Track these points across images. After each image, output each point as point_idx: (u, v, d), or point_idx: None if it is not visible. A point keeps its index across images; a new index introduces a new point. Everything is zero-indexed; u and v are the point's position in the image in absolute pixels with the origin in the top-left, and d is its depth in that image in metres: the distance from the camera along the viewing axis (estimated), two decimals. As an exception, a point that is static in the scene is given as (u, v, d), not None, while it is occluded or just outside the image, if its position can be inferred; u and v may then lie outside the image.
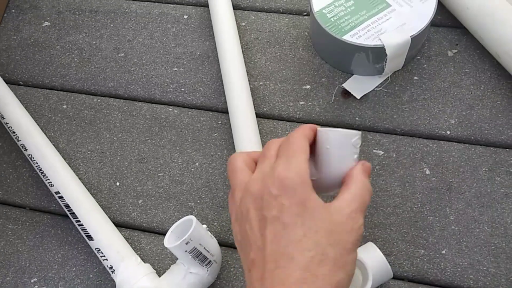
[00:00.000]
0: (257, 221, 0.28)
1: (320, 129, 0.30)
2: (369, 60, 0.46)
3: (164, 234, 0.44)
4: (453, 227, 0.41)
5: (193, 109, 0.50)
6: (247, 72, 0.51)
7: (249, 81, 0.51)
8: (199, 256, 0.38)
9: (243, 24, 0.55)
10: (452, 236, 0.41)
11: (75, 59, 0.56)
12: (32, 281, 0.44)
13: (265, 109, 0.49)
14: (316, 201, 0.27)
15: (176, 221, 0.38)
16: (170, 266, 0.41)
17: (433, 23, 0.50)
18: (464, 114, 0.46)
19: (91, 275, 0.44)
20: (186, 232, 0.37)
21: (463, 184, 0.43)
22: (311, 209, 0.27)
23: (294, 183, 0.27)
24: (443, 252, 0.41)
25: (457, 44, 0.49)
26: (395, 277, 0.41)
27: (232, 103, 0.47)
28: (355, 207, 0.28)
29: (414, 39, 0.45)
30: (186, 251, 0.37)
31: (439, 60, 0.49)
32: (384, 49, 0.44)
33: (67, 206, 0.44)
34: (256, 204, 0.28)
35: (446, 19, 0.51)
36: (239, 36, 0.53)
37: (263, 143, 0.47)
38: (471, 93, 0.47)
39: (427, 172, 0.44)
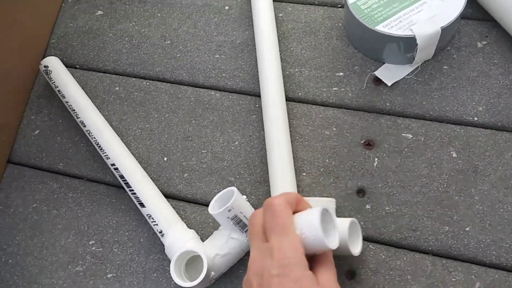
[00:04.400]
0: None
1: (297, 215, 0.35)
2: (400, 50, 0.49)
3: (207, 205, 0.49)
4: (477, 206, 0.44)
5: (233, 93, 0.55)
6: (283, 59, 0.55)
7: (285, 68, 0.54)
8: (240, 223, 0.42)
9: (281, 15, 0.58)
10: (476, 215, 0.44)
11: (126, 46, 0.61)
12: (90, 243, 0.50)
13: (299, 94, 0.53)
14: (311, 278, 0.32)
15: (218, 193, 0.43)
16: (212, 232, 0.45)
17: (463, 16, 0.53)
18: (492, 102, 0.49)
19: (141, 240, 0.49)
20: (228, 201, 0.41)
21: (488, 167, 0.46)
22: (306, 286, 0.31)
23: (291, 263, 0.32)
24: (467, 229, 0.44)
25: (486, 36, 0.52)
26: (420, 251, 0.44)
27: (263, 87, 0.51)
28: (335, 284, 0.34)
29: (444, 30, 0.47)
30: (228, 217, 0.41)
31: (469, 51, 0.51)
32: (415, 40, 0.47)
33: (122, 177, 0.49)
34: (257, 281, 0.33)
35: (476, 12, 0.53)
36: (277, 26, 0.57)
37: (292, 125, 0.51)
38: (500, 82, 0.49)
39: (454, 155, 0.47)
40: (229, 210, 0.41)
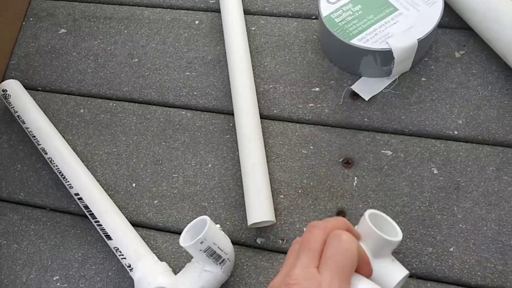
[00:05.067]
0: None
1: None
2: (377, 63, 0.47)
3: (179, 233, 0.46)
4: (460, 225, 0.42)
5: (205, 112, 0.52)
6: (257, 75, 0.52)
7: (259, 84, 0.52)
8: (213, 255, 0.39)
9: (253, 28, 0.56)
10: (459, 234, 0.42)
11: (91, 65, 0.57)
12: (54, 278, 0.46)
13: (275, 111, 0.50)
14: None
15: (190, 221, 0.40)
16: (185, 264, 0.42)
17: (440, 25, 0.51)
18: (472, 114, 0.47)
19: (110, 273, 0.45)
20: (200, 231, 0.38)
21: (470, 183, 0.44)
22: None
23: None
24: (451, 249, 0.42)
25: (464, 45, 0.50)
26: (403, 274, 0.42)
27: (236, 104, 0.49)
28: None
29: (421, 42, 0.46)
30: (200, 250, 0.39)
31: (447, 61, 0.50)
32: (392, 53, 0.45)
33: (86, 207, 0.46)
34: None
35: (453, 21, 0.52)
36: (250, 40, 0.55)
37: (268, 144, 0.48)
38: (479, 93, 0.48)
39: (435, 172, 0.45)
40: (201, 242, 0.38)
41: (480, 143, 0.46)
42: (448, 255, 0.41)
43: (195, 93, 0.53)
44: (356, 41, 0.46)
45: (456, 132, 0.46)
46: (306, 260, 0.30)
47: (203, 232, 0.38)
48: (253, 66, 0.53)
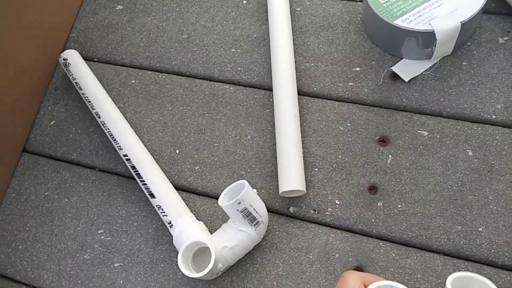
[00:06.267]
0: None
1: None
2: (419, 45, 0.48)
3: (217, 198, 0.49)
4: (491, 206, 0.43)
5: (247, 87, 0.54)
6: (299, 54, 0.54)
7: (300, 62, 0.54)
8: (249, 216, 0.42)
9: (298, 9, 0.58)
10: (490, 215, 0.42)
11: (144, 40, 0.61)
12: (99, 232, 0.50)
13: (315, 88, 0.52)
14: None
15: (228, 186, 0.42)
16: (221, 225, 0.45)
17: (485, 11, 0.51)
18: (511, 100, 0.47)
19: (150, 230, 0.49)
20: (237, 195, 0.41)
21: (504, 167, 0.44)
22: None
23: None
24: (480, 229, 0.42)
25: (509, 32, 0.50)
26: (431, 250, 0.42)
27: (275, 79, 0.51)
28: None
29: (464, 25, 0.46)
30: (237, 210, 0.41)
31: (489, 46, 0.50)
32: (434, 34, 0.46)
33: (133, 167, 0.49)
34: None
35: (499, 7, 0.52)
36: (294, 21, 0.56)
37: (305, 120, 0.50)
38: (521, 80, 0.48)
39: (469, 154, 0.45)
40: (239, 203, 0.40)
41: (519, 129, 0.46)
42: (476, 234, 0.42)
43: (239, 69, 0.56)
44: (399, 22, 0.47)
45: (494, 117, 0.46)
46: None
47: (241, 193, 0.40)
48: (296, 45, 0.55)
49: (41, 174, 0.55)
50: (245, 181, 0.41)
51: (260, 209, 0.43)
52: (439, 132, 0.47)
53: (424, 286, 0.41)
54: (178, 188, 0.50)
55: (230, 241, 0.43)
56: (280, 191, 0.45)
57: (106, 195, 0.52)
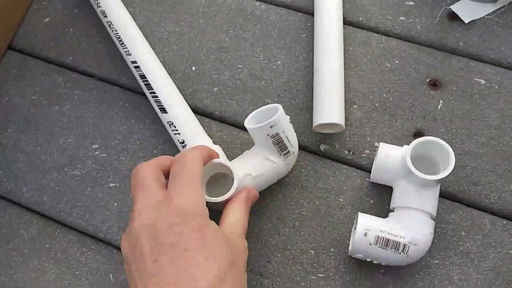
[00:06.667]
0: (148, 248, 0.28)
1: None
2: (487, -18, 0.42)
3: (236, 125, 0.42)
4: (552, 168, 0.38)
5: (282, 7, 0.47)
6: (344, -19, 0.47)
7: (346, -11, 0.47)
8: (280, 143, 0.35)
9: None
10: (549, 177, 0.38)
11: None
12: (93, 146, 0.43)
13: (360, 18, 0.46)
14: (213, 226, 0.29)
15: (251, 112, 0.36)
16: (238, 155, 0.38)
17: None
18: None
19: (155, 151, 0.42)
20: (268, 119, 0.34)
21: None
22: (210, 234, 0.28)
23: (193, 212, 0.29)
24: (537, 192, 0.38)
25: None
26: (479, 207, 0.38)
27: (318, 4, 0.44)
28: (242, 230, 0.32)
29: (545, -36, 0.40)
30: (268, 134, 0.35)
31: (561, -2, 0.45)
32: (509, -30, 0.40)
33: (143, 76, 0.41)
34: (148, 232, 0.28)
35: None
36: None
37: (348, 51, 0.44)
38: None
39: (530, 109, 0.40)
40: (271, 126, 0.34)
41: None
42: (533, 196, 0.37)
43: (273, -13, 0.48)
44: (473, -51, 0.41)
45: (561, 73, 0.42)
46: (143, 194, 0.31)
47: (275, 116, 0.34)
48: (342, -31, 0.48)
49: (29, 76, 0.46)
50: (279, 105, 0.35)
51: (292, 137, 0.36)
52: (498, 83, 0.42)
53: (468, 244, 0.36)
54: (191, 109, 0.43)
55: (254, 169, 0.36)
56: (316, 123, 0.39)
57: (105, 107, 0.44)
